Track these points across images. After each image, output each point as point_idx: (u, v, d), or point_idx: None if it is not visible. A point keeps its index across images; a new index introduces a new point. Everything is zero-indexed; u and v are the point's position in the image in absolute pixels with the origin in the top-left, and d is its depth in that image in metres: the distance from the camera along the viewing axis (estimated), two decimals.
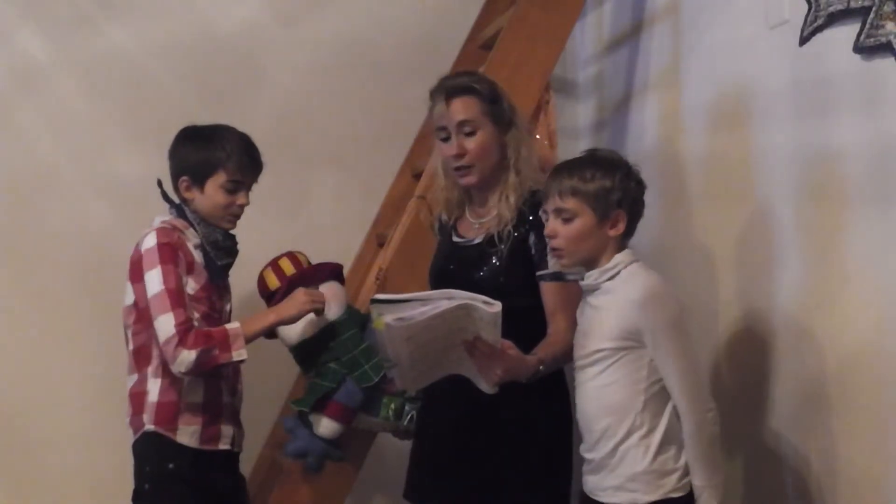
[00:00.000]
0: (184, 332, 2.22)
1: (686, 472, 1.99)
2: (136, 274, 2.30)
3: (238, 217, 2.41)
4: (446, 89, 2.27)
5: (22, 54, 3.02)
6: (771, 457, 2.34)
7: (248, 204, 2.41)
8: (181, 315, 2.23)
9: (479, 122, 2.26)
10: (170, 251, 2.28)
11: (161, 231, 2.31)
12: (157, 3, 3.14)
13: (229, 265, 2.45)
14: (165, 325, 2.22)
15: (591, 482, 2.07)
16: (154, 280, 2.26)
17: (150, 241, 2.29)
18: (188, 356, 2.21)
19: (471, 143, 2.26)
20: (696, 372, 2.01)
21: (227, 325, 2.29)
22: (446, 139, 2.28)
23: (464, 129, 2.25)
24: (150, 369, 2.30)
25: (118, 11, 3.10)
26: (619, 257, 2.03)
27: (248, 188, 2.41)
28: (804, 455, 2.23)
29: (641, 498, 1.98)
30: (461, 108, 2.26)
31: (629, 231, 2.06)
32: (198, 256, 2.36)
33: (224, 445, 2.36)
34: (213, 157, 2.35)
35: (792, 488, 2.26)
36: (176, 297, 2.24)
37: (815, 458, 2.20)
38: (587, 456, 2.08)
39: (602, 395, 2.03)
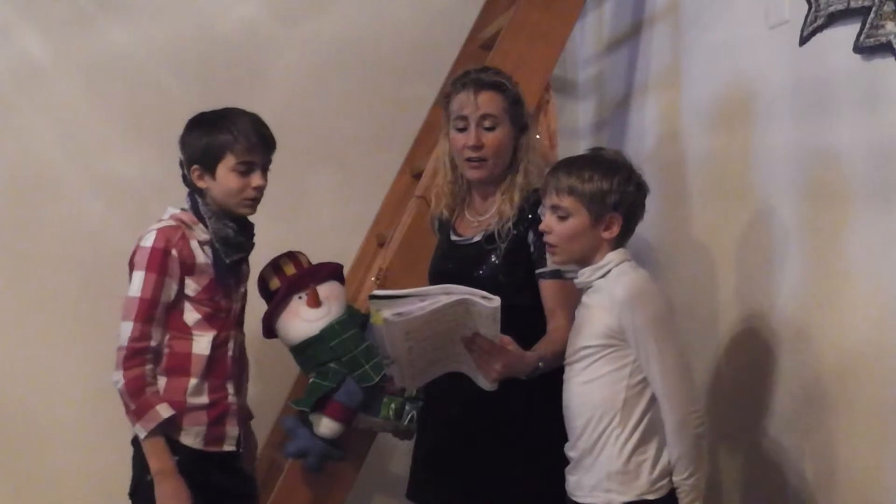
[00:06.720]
0: (133, 352, 2.22)
1: (663, 475, 1.97)
2: (132, 269, 2.30)
3: (256, 201, 2.33)
4: (476, 81, 2.28)
5: (22, 54, 3.01)
6: (770, 456, 2.34)
7: (264, 185, 2.33)
8: (138, 329, 2.23)
9: (500, 118, 2.28)
10: (160, 257, 2.25)
11: (162, 232, 2.28)
12: (157, 3, 3.14)
13: (239, 262, 2.39)
14: (123, 331, 2.24)
15: (572, 482, 2.07)
16: (135, 283, 2.26)
17: (148, 241, 2.27)
18: (120, 379, 2.22)
19: (489, 138, 2.27)
20: (682, 372, 1.98)
21: (160, 406, 2.22)
22: (463, 129, 2.29)
23: (485, 122, 2.27)
24: (155, 368, 2.28)
25: (118, 11, 3.09)
26: (611, 256, 2.03)
27: (263, 169, 2.34)
28: (804, 455, 2.24)
29: (617, 498, 1.97)
30: (488, 102, 2.27)
31: (626, 233, 2.06)
32: (204, 255, 2.31)
33: (229, 447, 2.33)
34: (219, 140, 2.29)
35: (791, 488, 2.26)
36: (145, 308, 2.24)
37: (814, 458, 2.20)
38: (569, 454, 2.08)
39: (584, 391, 2.03)
